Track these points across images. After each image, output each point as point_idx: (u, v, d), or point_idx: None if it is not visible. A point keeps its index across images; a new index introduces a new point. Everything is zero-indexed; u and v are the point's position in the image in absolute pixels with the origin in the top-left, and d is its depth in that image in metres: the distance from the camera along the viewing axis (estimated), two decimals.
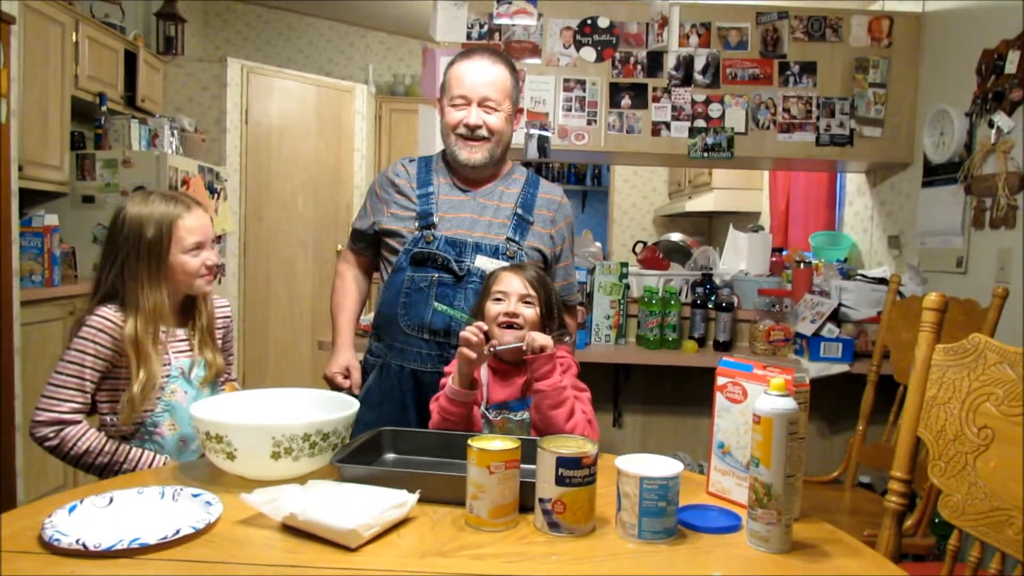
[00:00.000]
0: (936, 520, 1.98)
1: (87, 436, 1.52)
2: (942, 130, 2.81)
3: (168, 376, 1.60)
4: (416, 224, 1.84)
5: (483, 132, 1.83)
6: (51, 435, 1.50)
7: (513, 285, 1.62)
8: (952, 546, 1.21)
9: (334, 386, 1.94)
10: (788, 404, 1.07)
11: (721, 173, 4.85)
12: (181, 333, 1.66)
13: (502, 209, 1.88)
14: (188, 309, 1.68)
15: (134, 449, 1.55)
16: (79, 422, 1.52)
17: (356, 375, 1.94)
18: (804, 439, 1.11)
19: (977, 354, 1.15)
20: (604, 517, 1.17)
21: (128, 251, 1.57)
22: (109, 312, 1.55)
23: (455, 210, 1.86)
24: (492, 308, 1.63)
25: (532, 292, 1.61)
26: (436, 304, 1.79)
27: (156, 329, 1.57)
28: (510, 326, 1.60)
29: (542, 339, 1.53)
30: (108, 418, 1.58)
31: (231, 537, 1.09)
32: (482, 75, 1.83)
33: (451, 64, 1.89)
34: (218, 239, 1.68)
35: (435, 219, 1.84)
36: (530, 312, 1.61)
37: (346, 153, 5.65)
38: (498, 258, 1.82)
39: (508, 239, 1.84)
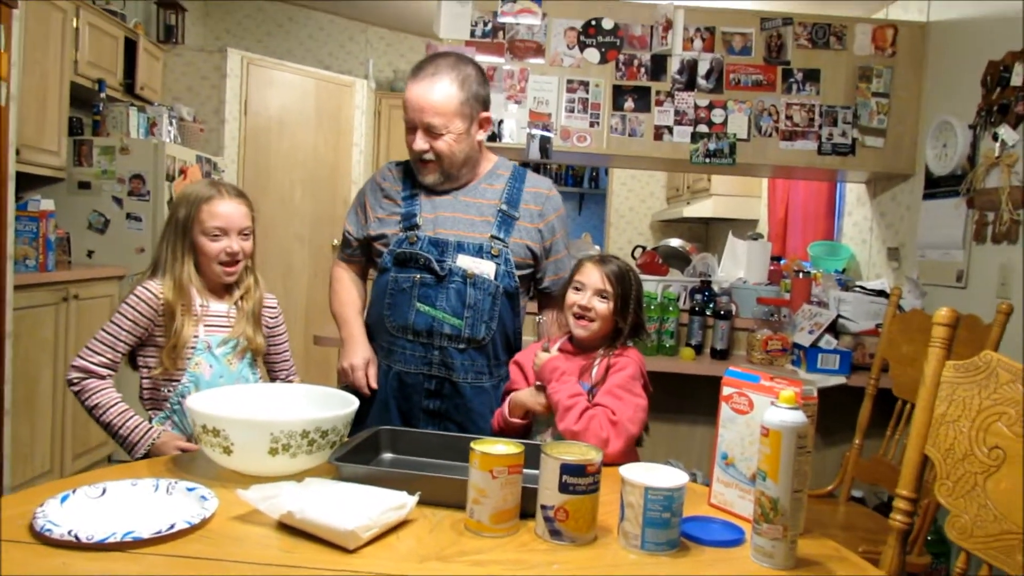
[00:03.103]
0: (930, 538, 1.98)
1: (103, 392, 1.64)
2: (945, 142, 2.80)
3: (194, 348, 1.67)
4: (401, 226, 1.84)
5: (429, 156, 1.80)
6: (76, 380, 1.64)
7: (592, 278, 1.66)
8: (959, 569, 1.20)
9: (350, 380, 1.85)
10: (798, 417, 1.05)
11: (720, 179, 4.85)
12: (219, 308, 1.74)
13: (486, 207, 1.85)
14: (232, 287, 1.77)
15: (138, 420, 1.63)
16: (104, 377, 1.66)
17: (374, 369, 1.86)
18: (811, 453, 1.10)
19: (989, 372, 1.13)
20: (605, 526, 1.16)
21: (168, 226, 1.73)
22: (152, 285, 1.68)
23: (438, 210, 1.84)
24: (570, 296, 1.68)
25: (609, 288, 1.64)
26: (419, 305, 1.79)
27: (188, 298, 1.68)
28: (581, 317, 1.65)
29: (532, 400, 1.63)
30: (146, 381, 1.70)
31: (226, 533, 1.07)
32: (424, 99, 1.76)
33: (407, 80, 1.83)
34: (244, 232, 1.73)
35: (418, 220, 1.83)
36: (603, 307, 1.65)
37: (344, 148, 5.62)
38: (482, 257, 1.80)
39: (492, 237, 1.82)
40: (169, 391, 1.68)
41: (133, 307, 1.66)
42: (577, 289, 1.68)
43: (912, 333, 2.21)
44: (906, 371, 2.19)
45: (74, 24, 3.74)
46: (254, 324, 1.77)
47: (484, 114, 1.85)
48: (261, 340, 1.78)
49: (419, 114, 1.77)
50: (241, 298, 1.76)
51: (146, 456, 1.60)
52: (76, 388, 1.65)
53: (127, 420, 1.63)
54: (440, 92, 1.76)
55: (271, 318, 1.85)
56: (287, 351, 1.92)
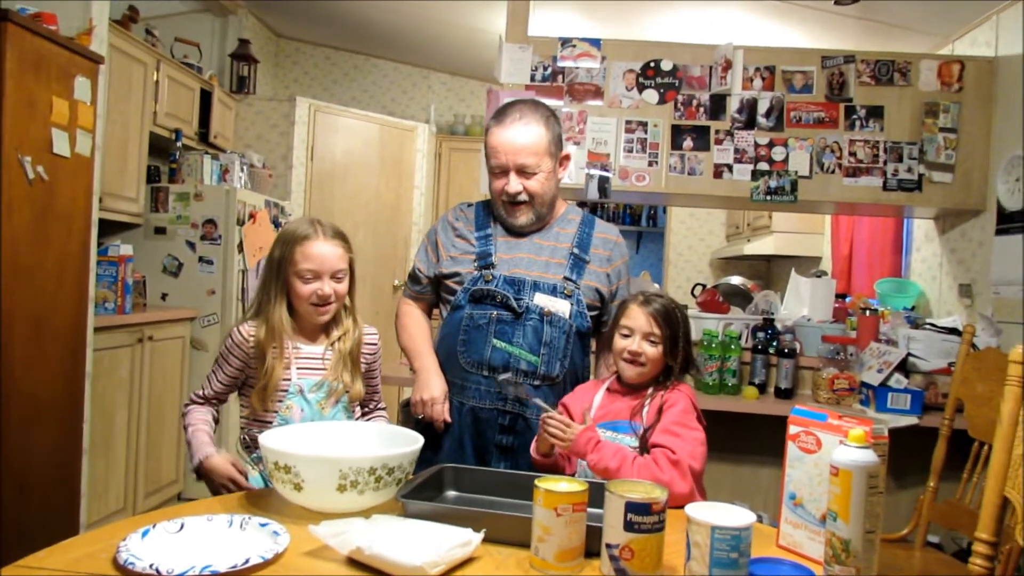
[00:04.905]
0: None
1: (190, 418, 1.73)
2: (1017, 176, 2.73)
3: (286, 391, 1.67)
4: (475, 264, 1.88)
5: (523, 197, 1.86)
6: (183, 407, 1.77)
7: (639, 322, 1.65)
8: None
9: (427, 412, 1.84)
10: (868, 456, 1.04)
11: (781, 217, 4.79)
12: (314, 351, 1.73)
13: (559, 249, 1.90)
14: (329, 328, 1.75)
15: (203, 437, 1.68)
16: (202, 405, 1.75)
17: (447, 405, 1.86)
18: (883, 493, 1.07)
19: None
20: (671, 565, 1.15)
21: (266, 266, 1.75)
22: (245, 327, 1.71)
23: (513, 251, 1.89)
24: (618, 342, 1.67)
25: (657, 330, 1.63)
26: (495, 341, 1.81)
27: (280, 341, 1.69)
28: (632, 362, 1.64)
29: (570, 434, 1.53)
30: (243, 421, 1.75)
31: (298, 568, 1.10)
32: (515, 141, 1.83)
33: (488, 130, 1.89)
34: (337, 275, 1.74)
35: (494, 259, 1.87)
36: (653, 351, 1.64)
37: (406, 190, 5.75)
38: (556, 296, 1.84)
39: (565, 278, 1.86)
40: (261, 432, 1.67)
41: (228, 349, 1.71)
42: (625, 335, 1.66)
43: (988, 372, 2.13)
44: (982, 411, 2.11)
45: (154, 77, 3.96)
46: (351, 368, 1.73)
47: (563, 153, 1.93)
48: (360, 387, 1.75)
49: (512, 156, 1.83)
50: (339, 339, 1.73)
51: (198, 469, 1.64)
52: (182, 414, 1.76)
53: (192, 435, 1.69)
54: (531, 133, 1.84)
55: (370, 354, 1.82)
56: (377, 382, 1.88)
